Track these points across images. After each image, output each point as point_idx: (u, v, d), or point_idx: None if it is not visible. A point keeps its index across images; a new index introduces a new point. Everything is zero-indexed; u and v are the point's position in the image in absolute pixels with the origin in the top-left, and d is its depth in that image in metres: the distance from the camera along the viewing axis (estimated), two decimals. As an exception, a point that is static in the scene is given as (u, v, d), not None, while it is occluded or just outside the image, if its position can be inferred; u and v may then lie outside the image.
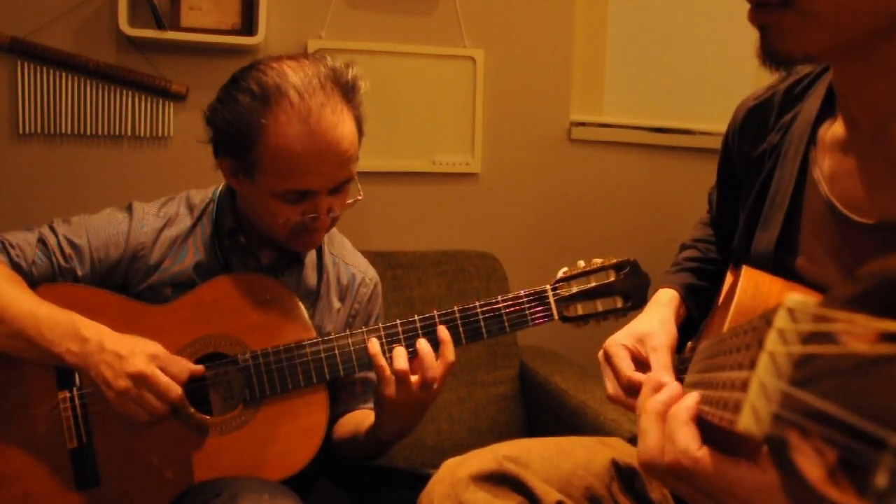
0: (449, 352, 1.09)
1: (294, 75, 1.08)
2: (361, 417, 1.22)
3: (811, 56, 0.69)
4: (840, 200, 0.74)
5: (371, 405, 1.26)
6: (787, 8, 0.63)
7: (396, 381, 1.06)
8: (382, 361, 1.07)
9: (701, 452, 0.57)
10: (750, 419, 0.38)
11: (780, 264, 0.80)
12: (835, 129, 0.77)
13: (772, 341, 0.38)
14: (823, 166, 0.77)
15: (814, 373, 0.33)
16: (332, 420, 1.26)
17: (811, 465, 0.30)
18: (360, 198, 1.19)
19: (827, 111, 0.79)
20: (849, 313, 0.30)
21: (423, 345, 1.08)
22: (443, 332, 1.10)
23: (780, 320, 0.38)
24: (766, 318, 0.40)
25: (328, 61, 1.12)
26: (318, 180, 1.10)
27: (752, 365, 0.40)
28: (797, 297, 0.37)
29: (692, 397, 0.60)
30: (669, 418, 0.61)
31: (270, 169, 1.09)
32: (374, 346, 1.09)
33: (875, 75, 0.67)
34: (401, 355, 1.07)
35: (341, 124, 1.09)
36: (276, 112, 1.06)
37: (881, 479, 0.25)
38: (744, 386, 0.40)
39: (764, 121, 0.87)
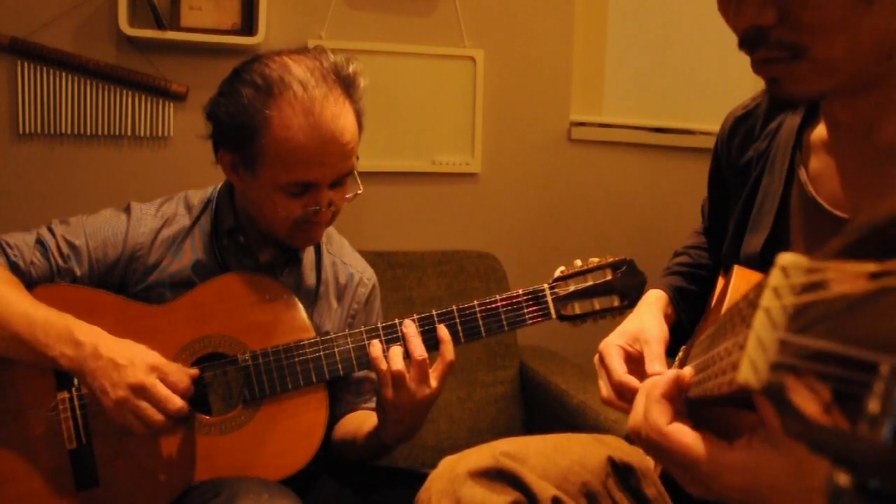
0: (448, 351, 1.09)
1: (297, 68, 1.09)
2: (363, 418, 1.22)
3: (825, 95, 0.71)
4: (825, 199, 0.76)
5: (373, 404, 1.27)
6: (798, 59, 0.65)
7: (393, 382, 1.06)
8: (383, 364, 1.06)
9: (668, 428, 0.59)
10: (749, 371, 0.38)
11: (769, 265, 0.81)
12: (819, 132, 0.79)
13: (766, 298, 0.38)
14: (809, 168, 0.79)
15: (809, 320, 0.33)
16: (333, 420, 1.26)
17: (807, 402, 0.31)
18: (359, 192, 1.20)
19: (811, 117, 0.81)
20: (839, 262, 0.31)
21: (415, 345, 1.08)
22: (442, 331, 1.10)
23: (774, 279, 0.38)
24: (760, 285, 0.40)
25: (329, 56, 1.13)
26: (320, 172, 1.10)
27: (748, 327, 0.39)
28: (789, 255, 0.37)
29: (668, 375, 0.62)
30: (646, 396, 0.64)
31: (274, 161, 1.09)
32: (375, 348, 1.09)
33: (866, 92, 0.69)
34: (397, 355, 1.07)
35: (343, 116, 1.10)
36: (280, 103, 1.07)
37: (874, 405, 0.26)
38: (741, 348, 0.40)
39: (750, 129, 0.90)
